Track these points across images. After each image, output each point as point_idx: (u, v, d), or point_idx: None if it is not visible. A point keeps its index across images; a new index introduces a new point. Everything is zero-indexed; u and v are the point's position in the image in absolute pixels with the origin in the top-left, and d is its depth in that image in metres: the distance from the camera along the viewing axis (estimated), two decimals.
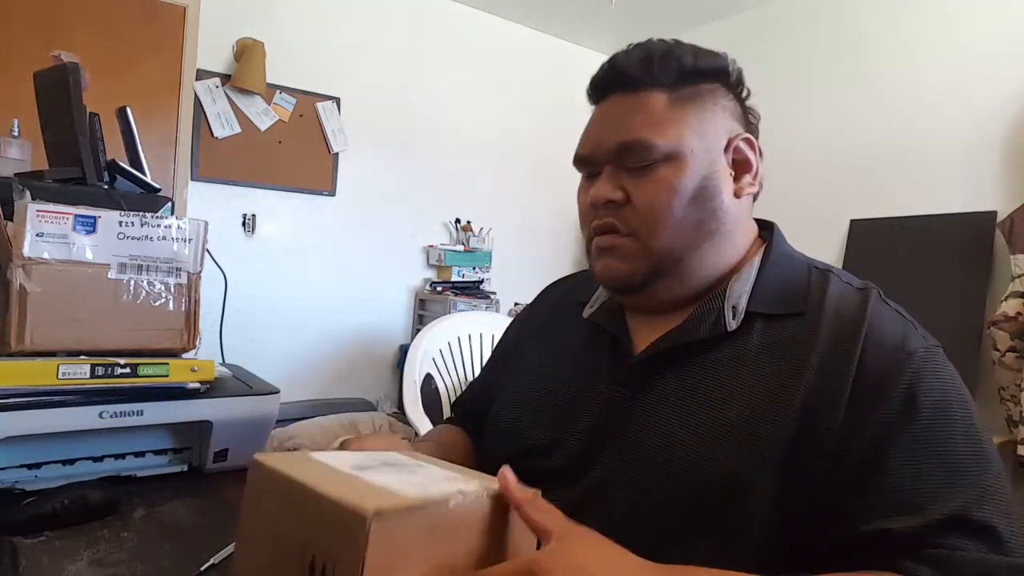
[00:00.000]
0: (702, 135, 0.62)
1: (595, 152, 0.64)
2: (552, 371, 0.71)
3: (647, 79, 0.62)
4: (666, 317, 0.64)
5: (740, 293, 0.61)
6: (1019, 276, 2.20)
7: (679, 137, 0.61)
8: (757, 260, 0.64)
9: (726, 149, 0.63)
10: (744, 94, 0.67)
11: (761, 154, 0.66)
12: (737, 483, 0.53)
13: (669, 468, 0.56)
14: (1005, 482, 0.50)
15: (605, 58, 0.66)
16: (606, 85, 0.65)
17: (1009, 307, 2.17)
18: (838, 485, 0.51)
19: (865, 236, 2.82)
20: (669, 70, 0.62)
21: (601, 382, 0.66)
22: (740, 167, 0.64)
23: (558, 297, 0.81)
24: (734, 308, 0.61)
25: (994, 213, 2.43)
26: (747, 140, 0.64)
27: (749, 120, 0.67)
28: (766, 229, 0.69)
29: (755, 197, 0.67)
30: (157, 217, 0.83)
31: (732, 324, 0.60)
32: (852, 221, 2.88)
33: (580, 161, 0.67)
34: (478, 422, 0.79)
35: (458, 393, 0.91)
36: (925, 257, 2.57)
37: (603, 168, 0.63)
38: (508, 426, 0.71)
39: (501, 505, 0.43)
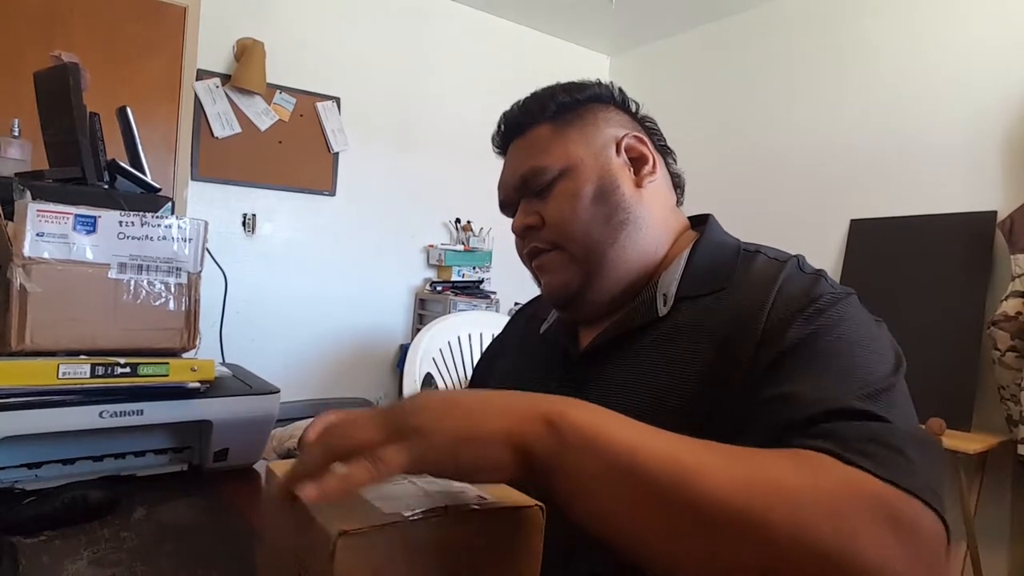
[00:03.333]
0: (588, 145, 0.69)
1: (506, 194, 0.74)
2: (515, 386, 0.76)
3: (530, 120, 0.72)
4: (609, 320, 0.70)
5: (671, 281, 0.66)
6: (1019, 276, 2.20)
7: (566, 153, 0.68)
8: (688, 250, 0.69)
9: (617, 150, 0.70)
10: (632, 108, 0.75)
11: (669, 151, 0.75)
12: None
13: None
14: (906, 408, 0.51)
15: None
16: (504, 136, 0.75)
17: (1009, 307, 2.17)
18: (748, 418, 0.53)
19: (865, 236, 2.82)
20: (547, 107, 0.71)
21: (551, 385, 0.71)
22: (636, 162, 0.71)
23: (526, 317, 0.88)
24: (665, 295, 0.66)
25: (994, 213, 2.43)
26: (636, 137, 0.70)
27: (645, 126, 0.74)
28: (702, 223, 0.74)
29: (681, 191, 0.75)
30: (157, 217, 0.83)
31: (663, 310, 0.65)
32: (852, 221, 2.87)
33: (502, 207, 0.76)
34: None
35: None
36: (925, 257, 2.57)
37: (518, 204, 0.72)
38: None
39: (489, 522, 0.41)
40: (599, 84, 0.74)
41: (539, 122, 0.71)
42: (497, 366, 0.86)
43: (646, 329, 0.65)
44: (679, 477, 0.38)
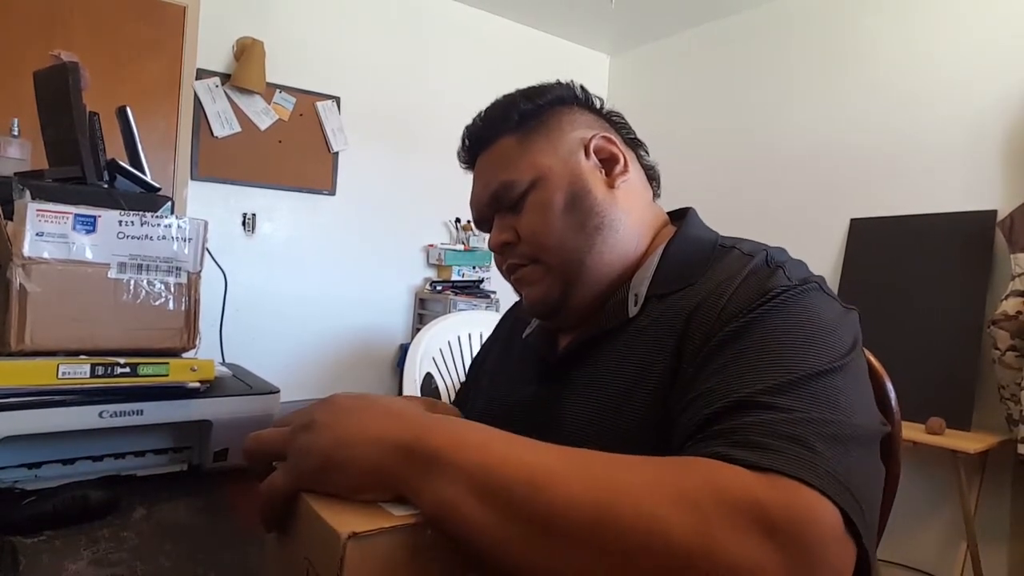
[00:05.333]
0: (555, 152, 0.68)
1: (479, 211, 0.72)
2: (497, 391, 0.78)
3: (494, 132, 0.70)
4: (587, 323, 0.69)
5: (643, 280, 0.65)
6: (1019, 275, 2.20)
7: (534, 164, 0.67)
8: (662, 248, 0.67)
9: (586, 153, 0.68)
10: (597, 105, 0.73)
11: (639, 143, 0.73)
12: (627, 446, 0.55)
13: None
14: (830, 391, 0.46)
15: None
16: (469, 151, 0.74)
17: (1009, 306, 2.17)
18: (677, 406, 0.53)
19: (865, 235, 2.82)
20: (509, 117, 0.69)
21: (528, 390, 0.71)
22: (606, 162, 0.69)
23: (512, 320, 0.88)
24: (636, 295, 0.65)
25: (994, 212, 2.43)
26: (604, 137, 0.69)
27: (613, 121, 0.73)
28: (682, 217, 0.72)
29: (657, 183, 0.74)
30: (157, 216, 0.82)
31: (633, 310, 0.64)
32: (852, 220, 2.87)
33: (477, 224, 0.74)
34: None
35: (458, 392, 0.95)
36: (925, 256, 2.57)
37: (492, 220, 0.71)
38: None
39: None
40: (560, 85, 0.73)
41: (503, 134, 0.70)
42: (484, 370, 0.86)
43: (618, 330, 0.64)
44: (531, 488, 0.38)
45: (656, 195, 0.76)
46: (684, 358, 0.56)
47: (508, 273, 0.72)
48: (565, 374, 0.67)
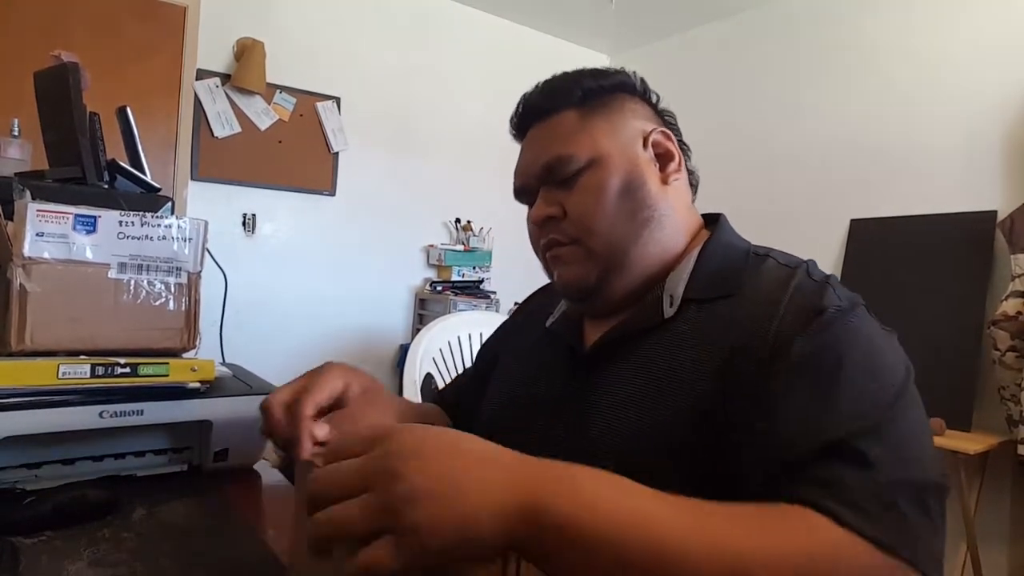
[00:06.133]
0: (615, 137, 0.67)
1: (526, 181, 0.70)
2: (518, 385, 0.76)
3: (555, 105, 0.68)
4: (617, 317, 0.68)
5: (678, 281, 0.65)
6: (1019, 276, 2.20)
7: (594, 143, 0.66)
8: (697, 250, 0.67)
9: (644, 144, 0.68)
10: (654, 100, 0.73)
11: (685, 147, 0.72)
12: (660, 465, 0.56)
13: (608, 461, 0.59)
14: (908, 428, 0.50)
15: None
16: (523, 120, 0.72)
17: (1009, 307, 2.17)
18: (742, 442, 0.53)
19: (865, 236, 2.82)
20: (572, 92, 0.68)
21: (556, 384, 0.70)
22: (662, 158, 0.69)
23: (533, 308, 0.86)
24: (671, 296, 0.64)
25: (994, 213, 2.43)
26: (663, 132, 0.69)
27: (665, 120, 0.73)
28: (714, 222, 0.72)
29: (695, 189, 0.73)
30: (157, 217, 0.82)
31: (668, 312, 0.63)
32: (852, 221, 2.87)
33: (518, 194, 0.72)
34: (454, 408, 0.87)
35: (456, 380, 0.95)
36: (925, 256, 2.57)
37: (537, 192, 0.69)
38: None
39: None
40: (623, 72, 0.72)
41: (564, 107, 0.68)
42: (504, 365, 0.83)
43: (652, 330, 0.64)
44: (660, 565, 0.39)
45: (692, 200, 0.75)
46: (743, 379, 0.55)
47: (545, 249, 0.69)
48: (593, 371, 0.66)
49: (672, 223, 0.67)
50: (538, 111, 0.70)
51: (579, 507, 0.40)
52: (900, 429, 0.48)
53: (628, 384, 0.63)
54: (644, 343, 0.64)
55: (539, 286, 0.89)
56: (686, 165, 0.73)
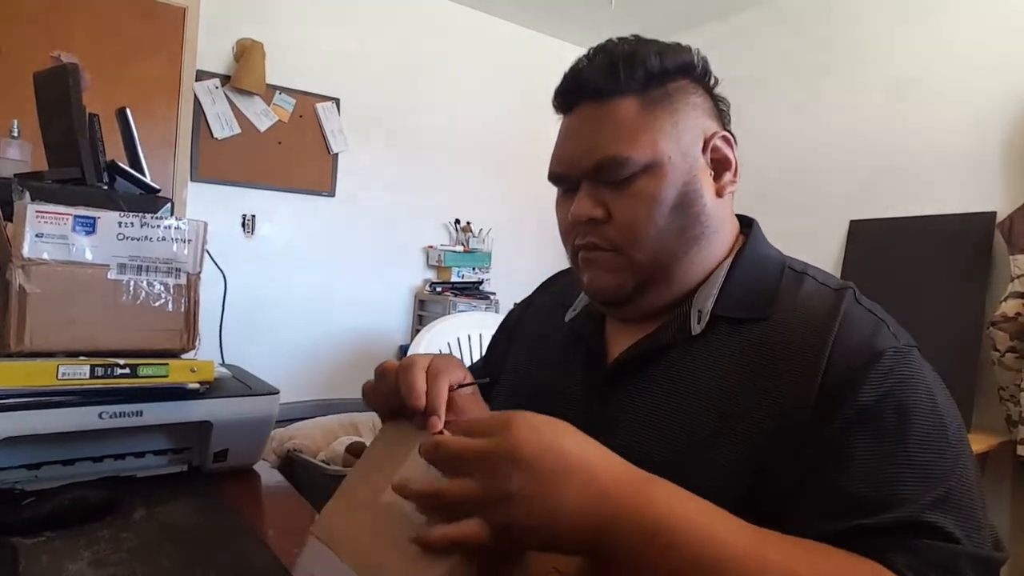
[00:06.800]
0: (677, 139, 0.60)
1: (570, 170, 0.62)
2: (534, 381, 0.72)
3: (614, 87, 0.59)
4: (645, 325, 0.63)
5: (708, 296, 0.60)
6: (1019, 276, 2.20)
7: (654, 145, 0.58)
8: (728, 262, 0.62)
9: (704, 150, 0.62)
10: (712, 83, 0.65)
11: (733, 137, 0.66)
12: (687, 463, 0.55)
13: None
14: (971, 486, 0.49)
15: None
16: (573, 95, 0.62)
17: (1008, 307, 2.17)
18: (802, 486, 0.51)
19: (865, 237, 2.83)
20: (635, 75, 0.59)
21: (576, 392, 0.66)
22: (720, 165, 0.63)
23: (552, 295, 0.80)
24: (700, 312, 0.60)
25: (994, 213, 2.43)
26: (724, 138, 0.63)
27: (721, 110, 0.66)
28: (748, 226, 0.67)
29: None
30: (157, 218, 0.82)
31: (696, 328, 0.59)
32: (852, 222, 2.88)
33: (556, 178, 0.65)
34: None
35: (490, 346, 0.89)
36: (925, 257, 2.57)
37: (579, 183, 0.61)
38: None
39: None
40: (687, 50, 0.63)
41: (625, 92, 0.59)
42: (516, 355, 0.77)
43: (679, 346, 0.60)
44: None
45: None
46: (790, 414, 0.52)
47: (579, 249, 0.63)
48: (615, 385, 0.63)
49: (719, 239, 0.63)
50: (592, 90, 0.60)
51: (653, 534, 0.42)
52: (968, 493, 0.49)
53: (651, 407, 0.60)
54: (671, 361, 0.60)
55: (537, 286, 0.86)
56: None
